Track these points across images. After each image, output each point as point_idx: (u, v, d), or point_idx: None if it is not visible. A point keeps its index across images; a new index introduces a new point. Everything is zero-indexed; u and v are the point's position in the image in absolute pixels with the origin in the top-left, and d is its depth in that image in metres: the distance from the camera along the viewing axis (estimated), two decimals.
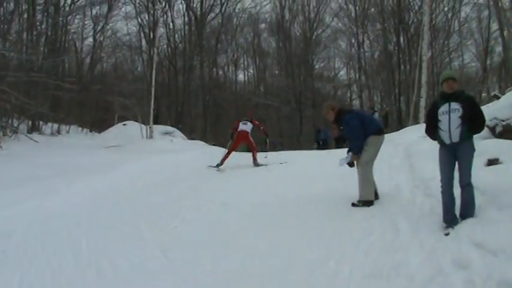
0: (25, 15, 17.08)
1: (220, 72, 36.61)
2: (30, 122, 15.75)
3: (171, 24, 30.30)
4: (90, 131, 19.81)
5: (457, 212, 4.16)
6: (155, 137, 18.10)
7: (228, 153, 10.75)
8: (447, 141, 4.20)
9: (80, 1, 22.37)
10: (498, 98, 9.01)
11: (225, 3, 31.88)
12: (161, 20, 27.27)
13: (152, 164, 9.86)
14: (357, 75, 33.85)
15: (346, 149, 5.90)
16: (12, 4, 15.97)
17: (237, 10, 33.75)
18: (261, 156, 10.84)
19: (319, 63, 35.85)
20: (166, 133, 20.10)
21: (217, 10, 31.95)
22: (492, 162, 5.22)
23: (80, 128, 19.47)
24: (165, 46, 30.85)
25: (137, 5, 28.06)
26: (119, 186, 7.65)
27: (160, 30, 26.65)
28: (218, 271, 3.97)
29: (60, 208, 6.12)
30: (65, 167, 8.83)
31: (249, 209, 6.00)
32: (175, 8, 30.75)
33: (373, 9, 29.09)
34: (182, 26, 31.21)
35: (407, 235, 4.18)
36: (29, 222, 5.55)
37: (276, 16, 34.72)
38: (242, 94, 36.31)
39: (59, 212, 6.01)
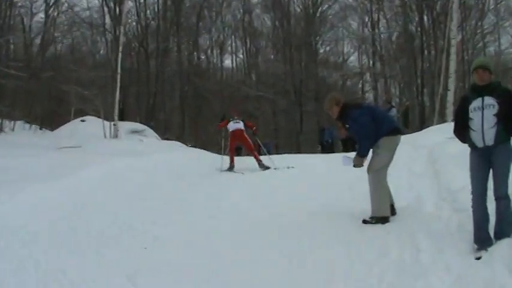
0: None
1: (203, 57, 36.60)
2: None
3: None
4: (41, 128, 19.72)
5: (491, 230, 4.17)
6: (121, 136, 18.08)
7: (232, 153, 11.63)
8: (479, 144, 4.21)
9: None
10: None
11: None
12: None
13: (117, 170, 9.81)
14: (371, 62, 34.14)
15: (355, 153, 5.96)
16: None
17: None
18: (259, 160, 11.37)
19: (325, 47, 36.04)
20: (135, 132, 20.09)
21: None
22: None
23: (28, 124, 19.37)
24: (134, 24, 30.93)
25: None
26: (75, 196, 7.59)
27: (129, 4, 26.30)
28: None
29: (1, 224, 6.04)
30: (7, 173, 8.73)
31: (240, 224, 6.05)
32: None
33: None
34: None
35: (429, 257, 4.19)
36: None
37: None
38: (229, 83, 36.24)
39: None
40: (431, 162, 7.74)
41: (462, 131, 4.40)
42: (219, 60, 37.56)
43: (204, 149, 19.27)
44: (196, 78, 31.93)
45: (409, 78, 27.20)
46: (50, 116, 22.47)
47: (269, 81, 34.52)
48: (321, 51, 35.54)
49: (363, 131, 5.51)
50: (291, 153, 23.90)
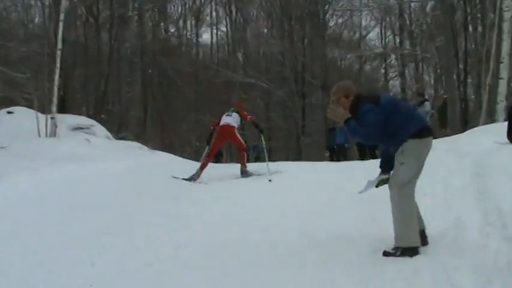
0: None
1: (172, 30, 36.61)
2: None
3: None
4: None
5: None
6: (61, 134, 17.93)
7: (209, 159, 12.10)
8: None
9: None
10: None
11: None
12: None
13: (51, 182, 9.77)
14: (397, 40, 34.30)
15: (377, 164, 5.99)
16: None
17: None
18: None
19: (336, 19, 36.16)
20: (80, 128, 19.97)
21: None
22: None
23: None
24: None
25: None
26: None
27: None
28: None
29: None
30: None
31: (215, 257, 6.05)
32: None
33: None
34: None
35: None
36: None
37: None
38: (207, 65, 36.22)
39: None
40: (477, 175, 7.73)
41: None
42: (193, 34, 37.61)
43: (174, 154, 19.24)
44: (164, 58, 31.95)
45: (448, 63, 27.28)
46: None
47: (261, 64, 34.73)
48: (331, 24, 35.76)
49: (369, 130, 5.57)
50: (288, 160, 23.99)
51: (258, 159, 28.08)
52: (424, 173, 5.68)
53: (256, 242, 6.51)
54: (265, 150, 13.48)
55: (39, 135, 17.65)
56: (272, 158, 20.34)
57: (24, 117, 18.97)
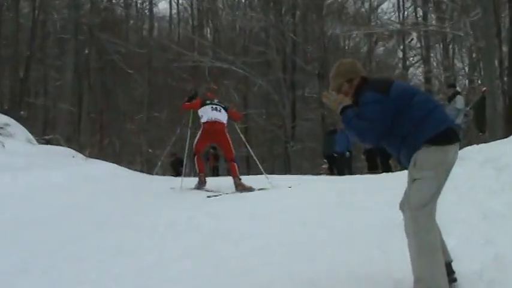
0: None
1: None
2: None
3: None
4: None
5: None
6: None
7: (200, 162, 12.88)
8: None
9: None
10: None
11: None
12: None
13: None
14: (420, 14, 34.37)
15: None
16: None
17: None
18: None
19: None
20: None
21: None
22: None
23: None
24: None
25: None
26: None
27: None
28: None
29: None
30: None
31: None
32: None
33: None
34: None
35: None
36: None
37: None
38: (164, 45, 36.02)
39: None
40: None
41: None
42: (146, 2, 37.59)
43: (118, 164, 19.20)
44: (105, 35, 31.84)
45: (487, 44, 27.42)
46: None
47: (238, 44, 34.68)
48: None
49: (359, 126, 5.54)
50: (273, 172, 23.97)
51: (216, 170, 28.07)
52: (453, 193, 5.69)
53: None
54: (248, 146, 13.68)
55: None
56: (250, 171, 20.38)
57: None
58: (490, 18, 26.79)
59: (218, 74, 33.76)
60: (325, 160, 22.01)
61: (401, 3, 36.42)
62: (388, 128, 5.45)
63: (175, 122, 36.37)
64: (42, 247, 8.05)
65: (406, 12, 36.21)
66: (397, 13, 36.57)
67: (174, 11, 38.82)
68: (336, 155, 20.72)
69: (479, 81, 28.56)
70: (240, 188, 12.17)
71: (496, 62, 27.34)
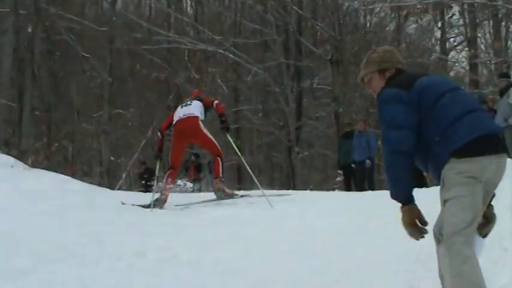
0: None
1: None
2: None
3: None
4: None
5: None
6: None
7: (171, 176, 12.76)
8: None
9: None
10: None
11: None
12: None
13: None
14: None
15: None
16: None
17: None
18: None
19: None
20: None
21: None
22: None
23: None
24: None
25: None
26: None
27: None
28: None
29: None
30: None
31: None
32: None
33: None
34: None
35: None
36: None
37: None
38: (132, 22, 35.97)
39: None
40: None
41: None
42: None
43: (70, 175, 19.17)
44: (54, 8, 31.87)
45: None
46: None
47: (226, 20, 34.80)
48: None
49: (385, 147, 5.62)
50: (273, 186, 23.96)
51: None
52: (505, 214, 5.70)
53: None
54: (239, 153, 13.77)
55: None
56: (243, 184, 20.47)
57: None
58: None
59: (201, 60, 33.76)
60: (340, 171, 21.98)
61: None
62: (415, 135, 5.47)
63: (145, 121, 36.31)
64: None
65: None
66: None
67: None
68: (353, 164, 20.64)
69: None
70: (220, 193, 12.42)
71: None
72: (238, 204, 12.93)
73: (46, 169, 19.04)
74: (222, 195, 12.01)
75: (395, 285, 6.98)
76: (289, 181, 30.96)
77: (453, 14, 35.57)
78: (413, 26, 36.74)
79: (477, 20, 33.78)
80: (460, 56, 34.36)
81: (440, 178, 5.46)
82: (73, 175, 18.24)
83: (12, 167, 18.43)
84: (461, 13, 34.56)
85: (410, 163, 5.48)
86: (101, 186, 19.43)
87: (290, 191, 17.49)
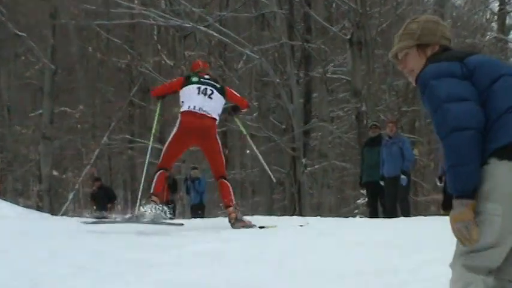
0: None
1: None
2: None
3: None
4: None
5: None
6: None
7: (161, 179, 13.22)
8: None
9: None
10: None
11: None
12: None
13: None
14: None
15: None
16: None
17: None
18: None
19: None
20: None
21: None
22: None
23: None
24: None
25: None
26: None
27: None
28: None
29: None
30: None
31: None
32: None
33: None
34: None
35: None
36: None
37: None
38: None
39: None
40: None
41: None
42: None
43: (1, 196, 18.95)
44: None
45: None
46: None
47: None
48: None
49: (444, 126, 5.50)
50: (271, 211, 23.59)
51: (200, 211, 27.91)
52: None
53: None
54: (254, 147, 13.75)
55: None
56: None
57: None
58: None
59: (175, 40, 33.57)
60: (363, 191, 21.68)
61: None
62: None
63: (100, 122, 36.56)
64: None
65: None
66: None
67: None
68: (381, 181, 20.40)
69: None
70: (238, 223, 12.39)
71: None
72: (224, 233, 12.74)
73: None
74: (240, 226, 11.65)
75: None
76: (294, 203, 30.93)
77: None
78: None
79: None
80: None
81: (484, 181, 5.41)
82: (2, 196, 17.87)
83: None
84: None
85: (480, 144, 5.39)
86: (40, 211, 19.17)
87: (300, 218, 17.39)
